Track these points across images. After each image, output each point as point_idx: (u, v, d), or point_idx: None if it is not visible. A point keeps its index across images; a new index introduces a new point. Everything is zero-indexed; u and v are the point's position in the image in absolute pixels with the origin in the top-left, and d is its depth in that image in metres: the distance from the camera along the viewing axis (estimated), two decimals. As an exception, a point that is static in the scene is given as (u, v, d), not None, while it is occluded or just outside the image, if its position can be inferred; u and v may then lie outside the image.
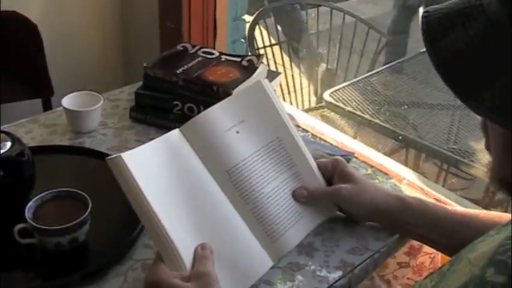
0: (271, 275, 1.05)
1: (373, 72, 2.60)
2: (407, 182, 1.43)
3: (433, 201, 1.33)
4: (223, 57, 1.54)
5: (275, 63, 2.98)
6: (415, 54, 2.90)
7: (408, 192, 1.36)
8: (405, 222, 1.11)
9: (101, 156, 1.33)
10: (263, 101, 1.09)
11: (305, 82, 3.23)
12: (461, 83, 0.60)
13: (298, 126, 1.56)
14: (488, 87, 0.58)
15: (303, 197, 1.07)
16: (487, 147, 0.70)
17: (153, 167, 0.94)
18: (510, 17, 0.58)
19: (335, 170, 1.12)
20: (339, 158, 1.16)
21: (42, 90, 1.98)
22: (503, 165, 0.67)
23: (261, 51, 2.92)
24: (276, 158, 1.07)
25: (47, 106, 1.99)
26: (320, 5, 3.29)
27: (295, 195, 1.07)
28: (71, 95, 1.48)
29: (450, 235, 1.06)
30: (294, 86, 3.08)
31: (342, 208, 1.16)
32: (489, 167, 0.69)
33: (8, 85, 1.93)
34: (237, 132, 1.03)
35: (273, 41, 3.09)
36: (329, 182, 1.13)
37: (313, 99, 3.20)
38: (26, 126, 1.49)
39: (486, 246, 0.74)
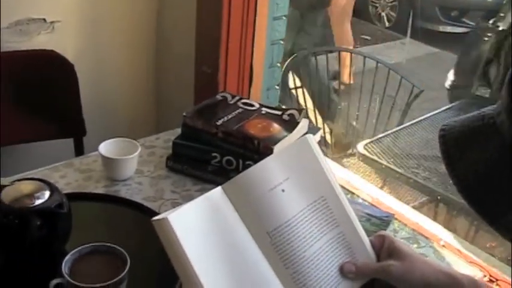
0: None
1: (411, 122, 2.52)
2: (444, 243, 1.41)
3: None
4: (264, 109, 1.52)
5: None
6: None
7: (446, 253, 1.35)
8: None
9: (137, 207, 1.31)
10: (308, 158, 1.06)
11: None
12: (485, 206, 0.59)
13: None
14: None
15: (352, 273, 1.04)
16: None
17: (196, 228, 0.93)
18: None
19: (382, 246, 1.10)
20: (385, 233, 1.13)
21: (74, 130, 1.97)
22: None
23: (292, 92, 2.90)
24: (320, 218, 1.04)
25: (79, 146, 1.98)
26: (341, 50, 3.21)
27: (344, 270, 1.04)
28: (108, 141, 1.46)
29: None
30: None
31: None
32: None
33: (42, 124, 1.93)
34: (283, 190, 1.01)
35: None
36: (376, 257, 1.10)
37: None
38: (61, 170, 1.48)
39: None
